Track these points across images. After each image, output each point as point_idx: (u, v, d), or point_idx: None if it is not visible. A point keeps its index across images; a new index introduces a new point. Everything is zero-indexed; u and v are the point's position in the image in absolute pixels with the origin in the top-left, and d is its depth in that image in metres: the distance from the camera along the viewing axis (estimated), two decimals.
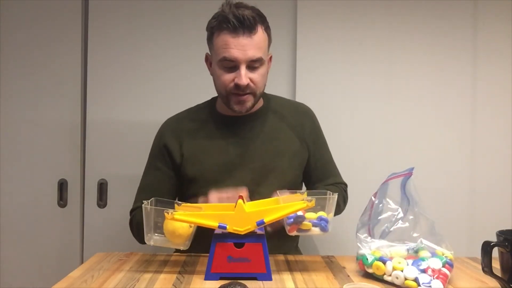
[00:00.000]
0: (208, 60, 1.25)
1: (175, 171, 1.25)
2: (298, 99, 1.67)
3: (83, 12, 1.70)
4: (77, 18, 1.69)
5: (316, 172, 1.31)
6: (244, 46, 1.12)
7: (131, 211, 1.26)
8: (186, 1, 1.70)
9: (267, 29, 1.19)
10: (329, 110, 1.67)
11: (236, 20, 1.11)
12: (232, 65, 1.14)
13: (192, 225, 0.98)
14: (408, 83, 1.71)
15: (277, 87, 1.65)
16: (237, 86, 1.15)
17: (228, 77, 1.16)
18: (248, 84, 1.15)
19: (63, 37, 1.69)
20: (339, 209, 1.29)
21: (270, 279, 0.94)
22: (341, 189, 1.32)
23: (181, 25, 1.70)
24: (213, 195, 1.09)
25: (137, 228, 1.19)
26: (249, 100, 1.18)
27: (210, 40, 1.19)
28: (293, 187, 1.24)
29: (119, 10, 1.70)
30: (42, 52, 1.69)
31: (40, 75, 1.70)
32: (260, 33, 1.15)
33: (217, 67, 1.17)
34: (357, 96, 1.70)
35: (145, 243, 1.02)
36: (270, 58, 1.25)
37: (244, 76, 1.13)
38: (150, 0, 1.69)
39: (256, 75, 1.16)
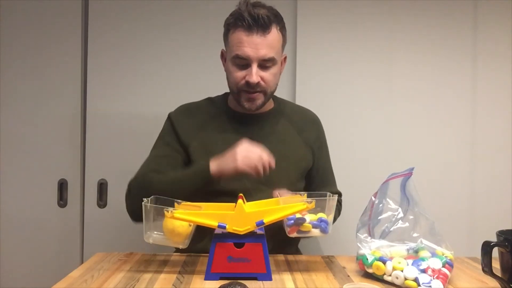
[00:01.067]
0: (223, 56, 1.26)
1: (184, 150, 1.23)
2: (298, 99, 1.67)
3: (83, 13, 1.70)
4: (77, 18, 1.69)
5: (316, 179, 1.33)
6: (257, 45, 1.13)
7: (131, 180, 1.19)
8: (186, 1, 1.70)
9: (282, 30, 1.20)
10: (329, 110, 1.67)
11: (250, 19, 1.12)
12: (244, 63, 1.16)
13: (192, 224, 0.98)
14: (408, 83, 1.71)
15: (277, 87, 1.65)
16: (247, 83, 1.16)
17: (239, 74, 1.17)
18: (258, 83, 1.16)
19: (63, 38, 1.69)
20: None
21: (270, 279, 0.94)
22: (338, 201, 1.32)
23: (181, 24, 1.70)
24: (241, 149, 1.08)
25: (136, 195, 1.06)
26: (259, 98, 1.20)
27: (226, 36, 1.21)
28: (295, 190, 1.25)
29: (119, 10, 1.70)
30: (42, 52, 1.69)
31: (40, 75, 1.70)
32: (274, 32, 1.16)
33: (230, 64, 1.19)
34: (357, 96, 1.70)
35: (137, 221, 1.04)
36: (285, 58, 1.26)
37: (255, 74, 1.15)
38: (150, 0, 1.70)
39: (267, 74, 1.17)
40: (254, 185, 1.20)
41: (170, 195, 1.02)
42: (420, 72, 1.71)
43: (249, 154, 1.07)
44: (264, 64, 1.16)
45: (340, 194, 1.37)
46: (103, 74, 1.70)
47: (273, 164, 1.09)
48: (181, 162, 1.22)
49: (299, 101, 1.66)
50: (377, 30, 1.70)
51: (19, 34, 1.69)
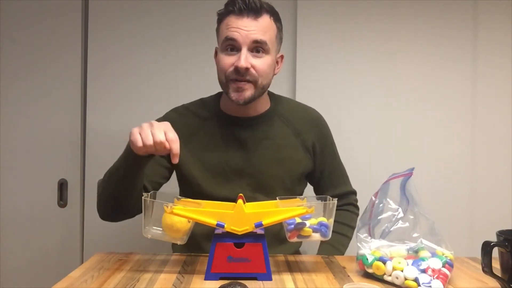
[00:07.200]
0: (216, 54, 1.19)
1: (169, 160, 1.19)
2: (298, 98, 1.67)
3: (83, 12, 1.70)
4: (77, 18, 1.69)
5: (321, 182, 1.28)
6: (247, 27, 1.08)
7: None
8: (186, 1, 1.70)
9: (277, 22, 1.16)
10: (329, 110, 1.66)
11: (241, 2, 1.09)
12: (233, 46, 1.10)
13: (190, 220, 0.98)
14: (408, 83, 1.71)
15: (277, 87, 1.64)
16: (236, 69, 1.09)
17: (228, 60, 1.10)
18: (248, 70, 1.09)
19: (63, 37, 1.69)
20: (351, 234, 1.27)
21: (270, 279, 0.93)
22: (351, 214, 1.30)
23: (181, 26, 1.70)
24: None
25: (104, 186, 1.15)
26: (248, 89, 1.11)
27: (218, 28, 1.17)
28: (293, 196, 1.24)
29: (119, 10, 1.70)
30: (42, 53, 1.69)
31: (40, 75, 1.70)
32: (267, 19, 1.12)
33: (220, 52, 1.14)
34: (357, 96, 1.70)
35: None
36: (282, 58, 1.22)
37: (244, 59, 1.07)
38: (150, 0, 1.70)
39: (259, 62, 1.10)
40: (248, 192, 1.15)
41: (114, 187, 1.09)
42: (420, 72, 1.71)
43: (153, 130, 0.95)
44: (256, 48, 1.10)
45: (354, 193, 1.33)
46: (103, 74, 1.70)
47: (174, 148, 0.96)
48: (164, 171, 1.21)
49: (299, 101, 1.66)
50: (377, 30, 1.70)
51: (19, 34, 1.69)
